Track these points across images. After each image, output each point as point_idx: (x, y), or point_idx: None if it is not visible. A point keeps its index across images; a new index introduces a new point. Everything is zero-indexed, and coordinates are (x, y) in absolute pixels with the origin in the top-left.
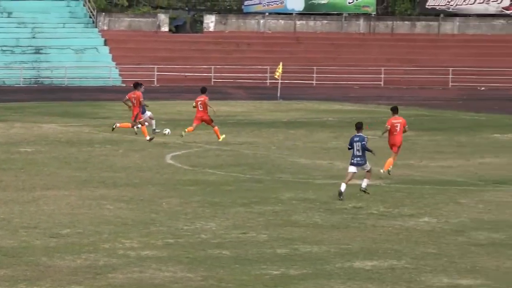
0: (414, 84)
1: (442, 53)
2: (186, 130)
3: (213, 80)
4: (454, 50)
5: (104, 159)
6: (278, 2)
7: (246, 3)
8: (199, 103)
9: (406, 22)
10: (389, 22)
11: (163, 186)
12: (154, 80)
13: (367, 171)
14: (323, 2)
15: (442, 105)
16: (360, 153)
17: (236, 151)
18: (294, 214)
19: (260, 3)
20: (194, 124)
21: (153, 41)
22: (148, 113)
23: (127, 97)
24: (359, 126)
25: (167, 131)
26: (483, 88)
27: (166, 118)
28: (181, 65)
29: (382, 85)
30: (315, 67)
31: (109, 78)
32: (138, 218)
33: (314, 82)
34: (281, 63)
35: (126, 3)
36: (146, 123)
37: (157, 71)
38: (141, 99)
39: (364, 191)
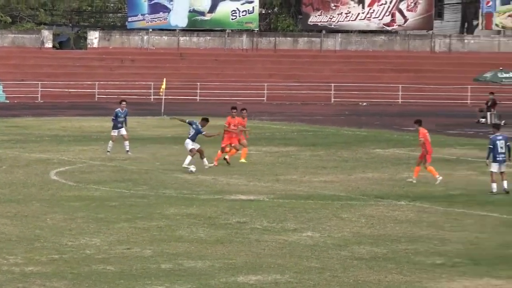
0: (296, 100)
1: (324, 69)
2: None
3: (97, 96)
4: (336, 66)
5: None
6: (161, 19)
7: (129, 19)
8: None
9: (289, 38)
10: (272, 38)
11: (48, 202)
12: (38, 96)
13: (503, 172)
14: (206, 18)
15: (324, 121)
16: (503, 150)
17: (120, 166)
18: (178, 229)
19: (143, 19)
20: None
21: (36, 57)
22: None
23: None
24: (497, 127)
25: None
26: (364, 104)
27: (50, 134)
28: (65, 81)
29: (265, 100)
30: (199, 83)
31: None
32: (22, 234)
33: (198, 98)
34: (164, 79)
35: (9, 20)
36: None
37: (41, 87)
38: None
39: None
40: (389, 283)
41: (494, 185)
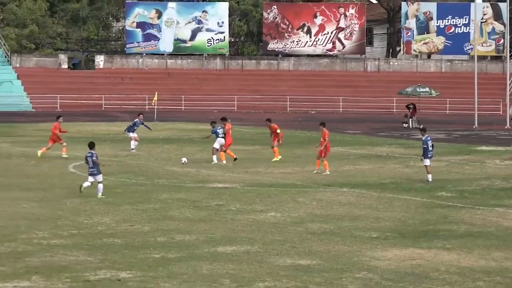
0: (260, 109)
1: (281, 85)
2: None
3: (103, 106)
4: (290, 83)
5: (20, 168)
6: (152, 45)
7: (127, 46)
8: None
9: (253, 61)
10: (240, 61)
11: (67, 189)
12: (57, 106)
13: (427, 165)
14: (188, 45)
15: (282, 126)
16: (431, 148)
17: (123, 161)
18: (170, 210)
19: (139, 46)
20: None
21: (55, 76)
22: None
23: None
24: (424, 129)
25: (184, 160)
26: (313, 112)
27: (67, 136)
28: (78, 94)
29: (235, 109)
30: (183, 96)
31: (21, 105)
32: (48, 214)
33: (182, 107)
34: (156, 93)
35: (33, 46)
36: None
37: (59, 99)
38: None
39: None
40: (336, 252)
41: (430, 176)
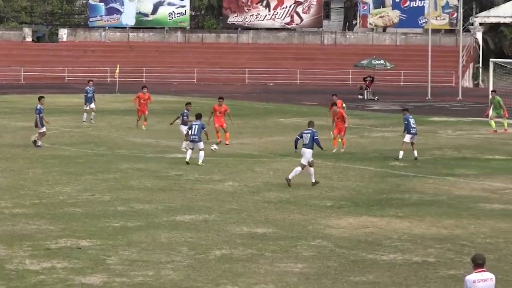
0: (219, 81)
1: (240, 58)
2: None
3: (66, 78)
4: (249, 55)
5: None
6: (115, 19)
7: (90, 19)
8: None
9: (213, 34)
10: (200, 34)
11: (30, 160)
12: (21, 79)
13: (413, 144)
14: (149, 18)
15: (241, 97)
16: (415, 126)
17: (84, 132)
18: (130, 180)
19: (101, 19)
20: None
21: (19, 49)
22: None
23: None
24: (407, 109)
25: (214, 147)
26: (271, 84)
27: (31, 107)
28: (42, 67)
29: (195, 82)
30: (144, 68)
31: None
32: (10, 184)
33: (143, 79)
34: (118, 65)
35: None
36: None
37: (23, 72)
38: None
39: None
40: (292, 220)
41: (401, 153)
